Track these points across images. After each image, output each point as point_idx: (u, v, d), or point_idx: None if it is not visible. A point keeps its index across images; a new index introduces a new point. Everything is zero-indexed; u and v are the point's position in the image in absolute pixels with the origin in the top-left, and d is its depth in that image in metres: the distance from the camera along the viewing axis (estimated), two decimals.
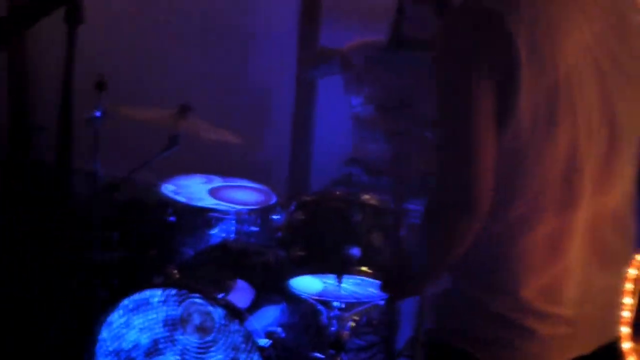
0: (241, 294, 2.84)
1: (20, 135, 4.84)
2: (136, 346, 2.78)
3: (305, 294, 2.89)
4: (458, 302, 1.70)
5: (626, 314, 1.88)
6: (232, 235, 3.22)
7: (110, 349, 2.80)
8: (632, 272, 1.90)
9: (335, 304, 2.89)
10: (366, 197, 2.83)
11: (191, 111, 3.14)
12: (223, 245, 3.08)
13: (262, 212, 3.30)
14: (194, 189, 3.40)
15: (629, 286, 1.88)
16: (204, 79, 4.42)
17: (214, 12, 4.46)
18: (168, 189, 3.33)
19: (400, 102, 3.48)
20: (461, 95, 1.54)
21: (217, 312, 2.67)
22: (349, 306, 2.91)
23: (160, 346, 2.76)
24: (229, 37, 4.45)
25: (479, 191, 1.53)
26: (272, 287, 2.94)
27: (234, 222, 3.24)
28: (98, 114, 3.17)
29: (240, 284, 2.88)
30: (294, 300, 2.95)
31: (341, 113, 4.17)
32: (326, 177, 3.99)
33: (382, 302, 2.96)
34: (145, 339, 2.77)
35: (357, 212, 2.76)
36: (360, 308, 2.93)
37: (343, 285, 2.77)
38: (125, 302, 2.75)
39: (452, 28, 1.60)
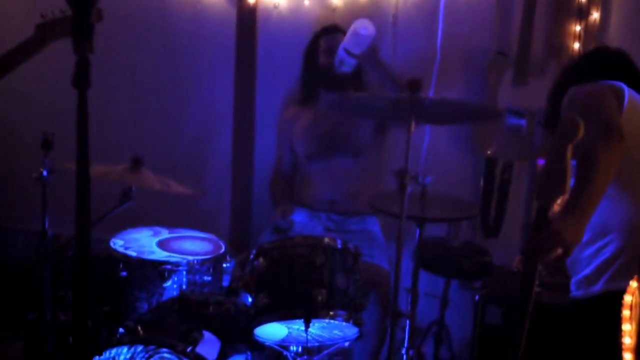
0: (208, 346, 2.79)
1: None
2: None
3: (270, 342, 2.88)
4: None
5: (627, 341, 1.94)
6: (185, 286, 3.18)
7: None
8: (628, 298, 1.97)
9: (293, 348, 2.91)
10: (327, 240, 2.85)
11: (143, 165, 3.11)
12: (182, 297, 3.02)
13: (214, 261, 3.27)
14: (143, 243, 3.35)
15: (626, 313, 1.95)
16: (145, 130, 4.39)
17: (152, 63, 4.44)
18: (117, 244, 3.27)
19: None
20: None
21: None
22: (314, 350, 2.93)
23: None
24: (165, 83, 4.46)
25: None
26: (237, 337, 2.91)
27: (186, 273, 3.19)
28: (45, 172, 3.10)
29: (206, 335, 2.83)
30: (259, 348, 2.93)
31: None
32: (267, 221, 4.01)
33: (346, 344, 2.98)
34: None
35: (320, 255, 2.78)
36: (326, 352, 2.94)
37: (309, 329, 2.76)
38: None
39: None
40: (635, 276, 1.97)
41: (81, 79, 1.55)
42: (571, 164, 2.05)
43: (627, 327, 1.95)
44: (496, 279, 3.78)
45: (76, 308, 1.68)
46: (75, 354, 2.60)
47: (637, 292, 1.94)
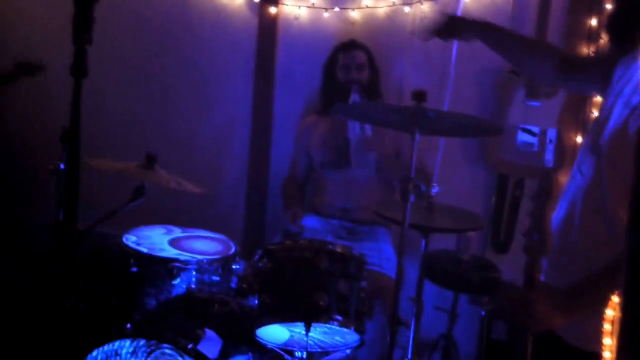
0: (210, 344, 2.84)
1: None
2: None
3: (272, 344, 2.89)
4: None
5: (607, 355, 1.96)
6: (194, 285, 3.22)
7: None
8: (609, 313, 1.98)
9: (298, 354, 2.92)
10: (332, 245, 2.87)
11: (157, 162, 3.17)
12: (188, 295, 3.07)
13: (223, 262, 3.31)
14: (155, 240, 3.40)
15: (607, 327, 1.96)
16: (164, 131, 4.47)
17: (174, 66, 4.53)
18: (130, 239, 3.33)
19: None
20: None
21: None
22: (316, 355, 2.95)
23: None
24: (187, 87, 4.55)
25: None
26: (239, 337, 2.94)
27: (195, 272, 3.23)
28: (62, 165, 3.16)
29: (209, 333, 2.88)
30: (261, 350, 2.95)
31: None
32: (279, 227, 4.06)
33: (348, 352, 2.99)
34: None
35: (324, 260, 2.80)
36: (327, 358, 2.96)
37: (310, 334, 2.77)
38: (94, 353, 2.72)
39: None
40: (617, 291, 1.97)
41: (78, 68, 1.61)
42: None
43: (607, 342, 1.96)
44: (503, 295, 3.78)
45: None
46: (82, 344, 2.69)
47: (618, 307, 1.94)
